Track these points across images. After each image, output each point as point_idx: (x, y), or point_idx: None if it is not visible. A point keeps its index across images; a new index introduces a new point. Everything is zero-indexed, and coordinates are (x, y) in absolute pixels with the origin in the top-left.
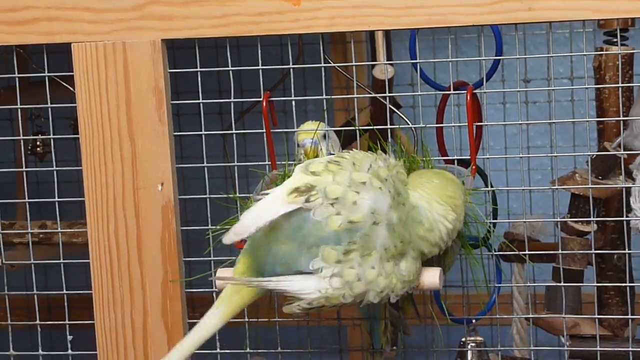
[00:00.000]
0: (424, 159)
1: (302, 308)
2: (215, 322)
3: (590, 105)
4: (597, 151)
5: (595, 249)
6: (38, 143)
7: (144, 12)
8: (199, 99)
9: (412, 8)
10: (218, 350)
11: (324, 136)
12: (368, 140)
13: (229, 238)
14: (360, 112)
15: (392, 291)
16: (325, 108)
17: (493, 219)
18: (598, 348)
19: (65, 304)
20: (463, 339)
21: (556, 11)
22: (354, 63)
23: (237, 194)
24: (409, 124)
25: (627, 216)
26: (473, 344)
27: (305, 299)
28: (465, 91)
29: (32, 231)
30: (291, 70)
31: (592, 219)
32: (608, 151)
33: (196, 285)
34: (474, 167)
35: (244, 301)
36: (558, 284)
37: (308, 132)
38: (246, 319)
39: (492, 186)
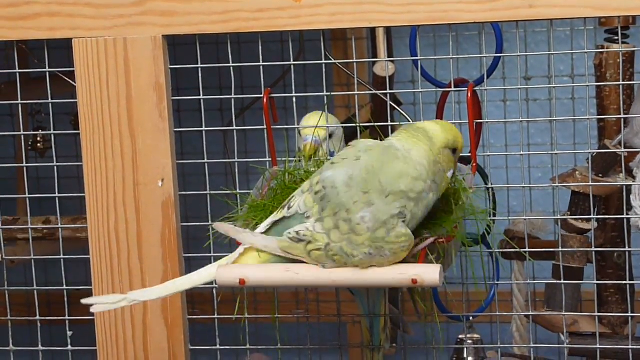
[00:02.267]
0: None
1: (292, 237)
2: (213, 272)
3: (591, 103)
4: (598, 149)
5: (595, 247)
6: (39, 139)
7: (145, 8)
8: (199, 95)
9: (413, 5)
10: (218, 347)
11: (329, 135)
12: (369, 137)
13: (223, 227)
14: (361, 109)
15: (381, 255)
16: (326, 104)
17: (493, 217)
18: (598, 346)
19: (65, 299)
20: (461, 336)
21: (557, 8)
22: (354, 60)
23: (238, 191)
24: (409, 121)
25: (627, 214)
26: (470, 342)
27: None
28: (466, 88)
29: (36, 227)
30: (292, 66)
31: (592, 216)
32: (608, 149)
33: None
34: (474, 164)
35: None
36: (557, 282)
37: (311, 128)
38: (246, 316)
39: (492, 184)
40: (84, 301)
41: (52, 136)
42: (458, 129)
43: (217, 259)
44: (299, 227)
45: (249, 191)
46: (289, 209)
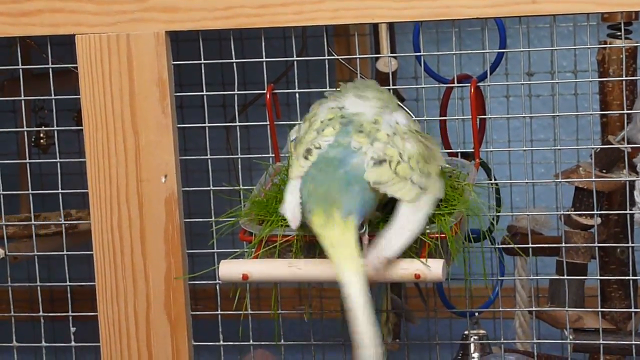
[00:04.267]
0: None
1: (374, 162)
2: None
3: (594, 98)
4: (601, 145)
5: (598, 243)
6: (41, 135)
7: (148, 4)
8: (202, 91)
9: (415, 1)
10: (221, 343)
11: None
12: None
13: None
14: None
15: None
16: None
17: (496, 213)
18: (601, 341)
19: (69, 295)
20: (466, 332)
21: (560, 4)
22: (357, 56)
23: (241, 187)
24: (412, 117)
25: (630, 210)
26: (475, 337)
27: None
28: (469, 84)
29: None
30: (295, 62)
31: (595, 212)
32: (612, 144)
33: (199, 277)
34: (477, 160)
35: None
36: (561, 277)
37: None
38: (250, 311)
39: (495, 179)
40: None
41: (55, 132)
42: (461, 124)
43: (220, 254)
44: (369, 154)
45: (252, 187)
46: (318, 148)
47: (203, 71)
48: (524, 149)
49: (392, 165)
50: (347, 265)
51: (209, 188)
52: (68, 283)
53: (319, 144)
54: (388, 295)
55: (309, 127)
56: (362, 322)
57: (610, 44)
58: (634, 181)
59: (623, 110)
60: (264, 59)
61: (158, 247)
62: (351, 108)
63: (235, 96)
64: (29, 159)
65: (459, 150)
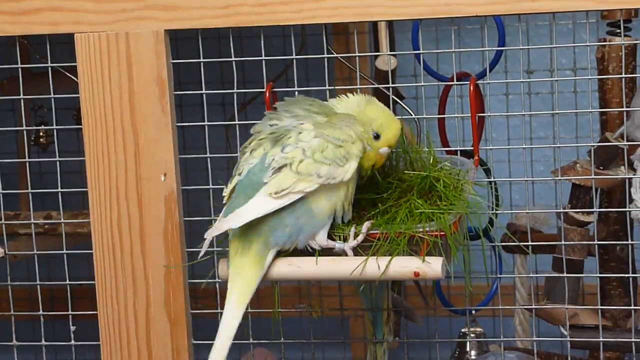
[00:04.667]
0: (427, 150)
1: (273, 172)
2: (236, 314)
3: (593, 96)
4: (599, 142)
5: (598, 240)
6: (41, 134)
7: (147, 3)
8: (201, 90)
9: None
10: None
11: None
12: None
13: (210, 233)
14: None
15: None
16: (328, 99)
17: (495, 210)
18: (601, 339)
19: (68, 294)
20: (463, 330)
21: (560, 2)
22: (356, 54)
23: None
24: (411, 115)
25: (628, 207)
26: (473, 335)
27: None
28: (468, 82)
29: (37, 222)
30: (294, 61)
31: (594, 209)
32: (609, 142)
33: (198, 276)
34: (477, 158)
35: (252, 277)
36: (556, 275)
37: None
38: (249, 310)
39: (494, 177)
40: None
41: (55, 131)
42: (460, 123)
43: (218, 254)
44: (272, 163)
45: None
46: (239, 175)
47: (202, 70)
48: (524, 146)
49: (293, 166)
50: (236, 297)
51: (208, 187)
52: (68, 282)
53: (242, 168)
54: (389, 294)
55: (248, 145)
56: (217, 351)
57: (609, 41)
58: (631, 178)
59: (622, 107)
60: (264, 58)
61: (157, 245)
62: (281, 123)
63: (235, 95)
64: (29, 158)
65: (458, 149)
